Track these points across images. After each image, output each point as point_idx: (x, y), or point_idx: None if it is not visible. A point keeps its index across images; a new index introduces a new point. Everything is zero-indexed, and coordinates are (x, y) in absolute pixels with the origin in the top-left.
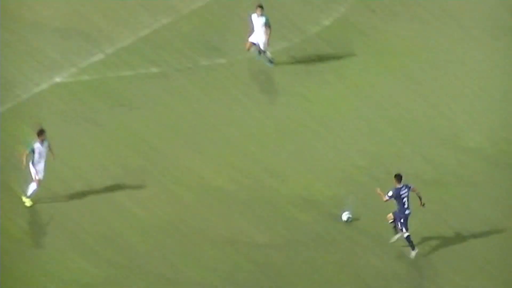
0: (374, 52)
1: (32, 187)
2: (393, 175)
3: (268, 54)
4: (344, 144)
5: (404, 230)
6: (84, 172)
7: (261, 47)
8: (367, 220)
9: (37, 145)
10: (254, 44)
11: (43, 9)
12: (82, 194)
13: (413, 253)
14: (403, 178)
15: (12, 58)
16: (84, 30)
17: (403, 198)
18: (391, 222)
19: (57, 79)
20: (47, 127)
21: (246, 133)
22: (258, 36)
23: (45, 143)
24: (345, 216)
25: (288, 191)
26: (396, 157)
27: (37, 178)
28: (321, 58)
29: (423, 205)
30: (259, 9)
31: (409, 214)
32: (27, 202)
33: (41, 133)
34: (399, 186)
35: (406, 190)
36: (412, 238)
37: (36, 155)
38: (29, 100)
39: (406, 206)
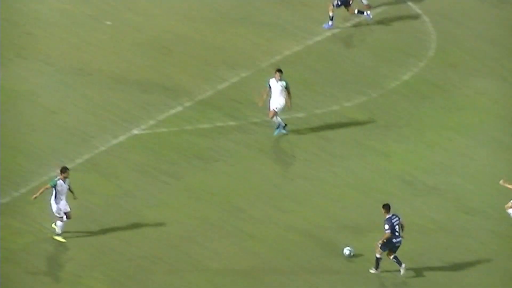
0: (453, 107)
1: (59, 225)
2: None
3: (278, 119)
4: (420, 200)
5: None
6: (160, 224)
7: (275, 108)
8: None
9: (60, 182)
10: (276, 112)
11: (123, 62)
12: (156, 245)
13: (402, 270)
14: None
15: (91, 109)
16: (163, 84)
17: (395, 226)
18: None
19: (135, 131)
20: (124, 179)
21: (322, 188)
22: (277, 101)
23: (67, 181)
24: (346, 250)
25: (363, 246)
26: (484, 212)
27: (59, 215)
28: (399, 113)
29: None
30: (278, 74)
31: (399, 242)
32: (60, 239)
33: (64, 170)
34: (389, 215)
35: (396, 218)
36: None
37: (58, 192)
38: (107, 151)
39: (397, 234)
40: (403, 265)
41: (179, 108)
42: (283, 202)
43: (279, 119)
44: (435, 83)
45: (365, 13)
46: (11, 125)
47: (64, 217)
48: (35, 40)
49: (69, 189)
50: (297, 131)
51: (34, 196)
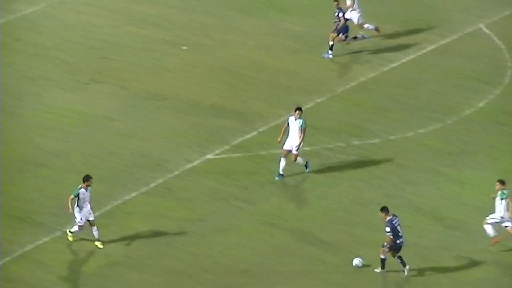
0: None
1: (74, 229)
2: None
3: (300, 160)
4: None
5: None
6: (232, 249)
7: (294, 151)
8: None
9: (82, 191)
10: (289, 151)
11: (198, 87)
12: (228, 270)
13: (406, 272)
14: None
15: (165, 134)
16: (237, 109)
17: (397, 227)
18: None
19: (209, 156)
20: (197, 204)
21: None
22: (293, 140)
23: (89, 189)
24: (356, 261)
25: (434, 271)
26: None
27: (80, 224)
28: (474, 140)
29: None
30: (297, 112)
31: (402, 242)
32: (70, 237)
33: (87, 179)
34: (389, 217)
35: (396, 219)
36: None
37: (81, 200)
38: (181, 176)
39: (400, 234)
40: (407, 267)
41: (253, 133)
42: (356, 227)
43: (300, 160)
44: (510, 110)
45: (359, 35)
46: (86, 149)
47: (84, 224)
48: (110, 65)
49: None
50: (371, 157)
51: (69, 211)
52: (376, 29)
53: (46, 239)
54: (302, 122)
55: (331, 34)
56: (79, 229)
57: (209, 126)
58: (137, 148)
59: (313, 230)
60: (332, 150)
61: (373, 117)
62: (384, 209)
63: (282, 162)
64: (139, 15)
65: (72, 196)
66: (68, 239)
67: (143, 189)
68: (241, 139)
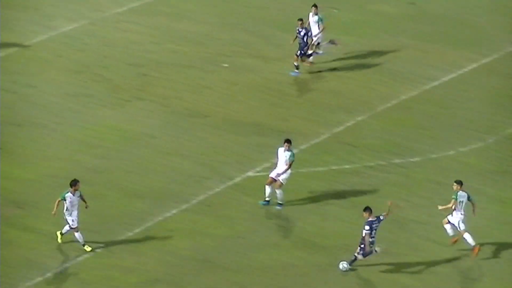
0: None
1: (66, 229)
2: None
3: (280, 194)
4: None
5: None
6: (271, 267)
7: (280, 179)
8: None
9: (69, 195)
10: (274, 180)
11: (238, 105)
12: None
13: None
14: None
15: (206, 151)
16: (278, 126)
17: (374, 229)
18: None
19: (250, 173)
20: (237, 221)
21: (434, 233)
22: (280, 169)
23: (77, 193)
24: (341, 265)
25: None
26: None
27: (74, 226)
28: None
29: None
30: (286, 144)
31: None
32: (59, 238)
33: (74, 184)
34: (371, 219)
35: (376, 223)
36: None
37: (68, 204)
38: (221, 193)
39: (373, 236)
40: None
41: (295, 151)
42: (396, 246)
43: (280, 194)
44: None
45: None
46: (126, 166)
47: (78, 226)
48: (151, 82)
49: (82, 199)
50: (412, 176)
51: (53, 212)
52: (332, 42)
53: (86, 255)
54: (290, 155)
55: (295, 56)
56: (72, 230)
57: (250, 144)
58: (178, 165)
59: (353, 248)
60: (372, 168)
61: (414, 135)
62: (368, 209)
63: (267, 189)
64: (180, 33)
65: (59, 199)
66: (58, 241)
67: (184, 206)
68: None
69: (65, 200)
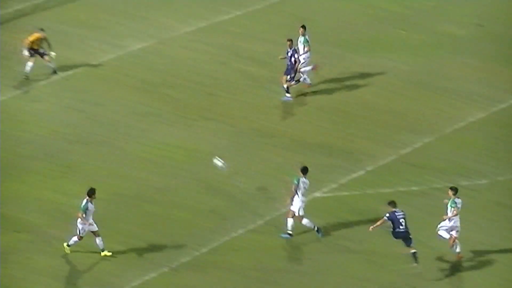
0: None
1: (74, 240)
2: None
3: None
4: None
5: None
6: None
7: (292, 211)
8: None
9: (89, 205)
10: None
11: (305, 125)
12: None
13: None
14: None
15: (271, 172)
16: (345, 147)
17: (399, 219)
18: None
19: (317, 194)
20: (304, 242)
21: (503, 256)
22: (300, 202)
23: (93, 202)
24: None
25: None
26: None
27: (82, 235)
28: None
29: None
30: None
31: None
32: (67, 250)
33: (93, 193)
34: (394, 209)
35: (401, 213)
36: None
37: (88, 213)
38: (287, 213)
39: (402, 226)
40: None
41: (361, 172)
42: (463, 270)
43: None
44: None
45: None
46: (192, 185)
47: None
48: (218, 101)
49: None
50: (479, 198)
51: (83, 222)
52: (314, 68)
53: (153, 274)
54: (293, 179)
55: (284, 77)
56: (78, 239)
57: (317, 165)
58: (244, 185)
59: (420, 270)
60: (440, 190)
61: (481, 157)
62: (391, 203)
63: (306, 222)
64: (247, 52)
65: (81, 212)
66: (66, 252)
67: (250, 226)
68: (348, 177)
69: (86, 210)
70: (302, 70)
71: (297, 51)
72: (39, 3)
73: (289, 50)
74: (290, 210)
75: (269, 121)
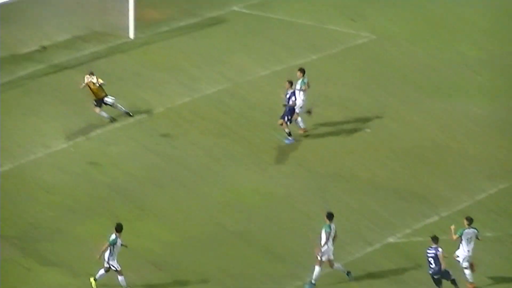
0: None
1: (101, 273)
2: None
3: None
4: None
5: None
6: None
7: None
8: None
9: (119, 240)
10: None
11: (380, 169)
12: None
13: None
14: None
15: (347, 216)
16: (420, 192)
17: (429, 257)
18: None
19: (390, 239)
20: (378, 287)
21: None
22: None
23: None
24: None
25: None
26: None
27: (106, 266)
28: None
29: None
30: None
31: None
32: (93, 283)
33: (121, 229)
34: (429, 246)
35: (432, 250)
36: None
37: (115, 249)
38: (361, 258)
39: (431, 265)
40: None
41: (436, 218)
42: None
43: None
44: None
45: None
46: (267, 229)
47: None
48: (292, 145)
49: (122, 245)
50: None
51: (99, 256)
52: (309, 112)
53: None
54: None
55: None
56: (104, 272)
57: (391, 209)
58: (319, 229)
59: None
60: None
61: None
62: (434, 239)
63: (338, 266)
64: (325, 97)
65: (108, 244)
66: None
67: (326, 270)
68: (423, 223)
69: (114, 245)
70: (301, 113)
71: (295, 94)
72: (114, 46)
73: (288, 92)
74: (321, 258)
75: (344, 165)
